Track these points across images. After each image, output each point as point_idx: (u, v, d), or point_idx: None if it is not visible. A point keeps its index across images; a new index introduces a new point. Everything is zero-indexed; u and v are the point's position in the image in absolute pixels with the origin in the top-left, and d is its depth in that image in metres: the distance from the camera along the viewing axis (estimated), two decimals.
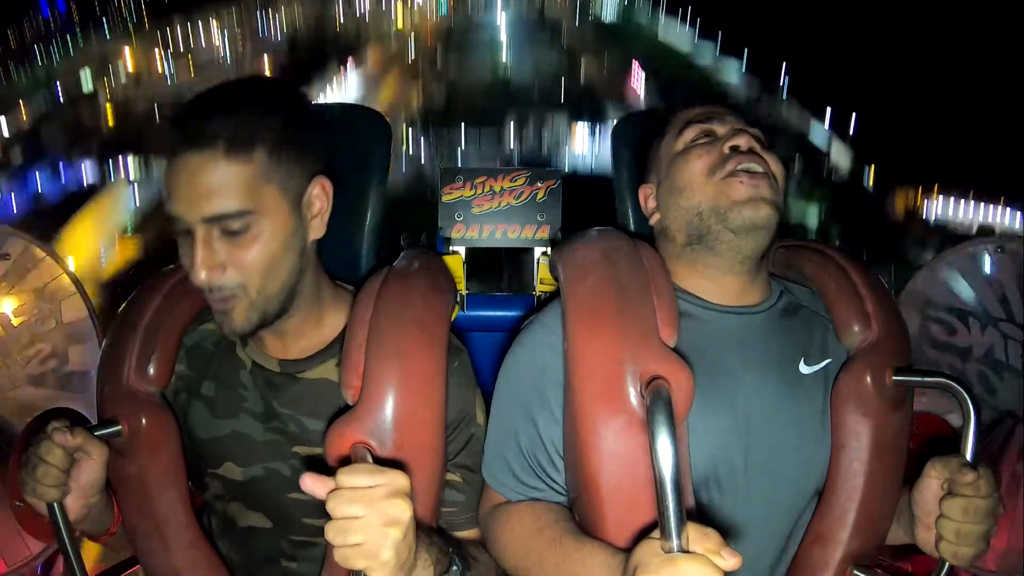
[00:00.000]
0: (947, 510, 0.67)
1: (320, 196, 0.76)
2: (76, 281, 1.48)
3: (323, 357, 0.80)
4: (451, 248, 1.33)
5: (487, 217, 1.34)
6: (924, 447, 0.80)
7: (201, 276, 0.69)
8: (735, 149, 0.77)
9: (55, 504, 0.71)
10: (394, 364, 0.70)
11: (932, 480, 0.70)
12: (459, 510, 0.81)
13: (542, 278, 1.29)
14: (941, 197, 27.10)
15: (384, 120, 1.04)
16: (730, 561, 0.51)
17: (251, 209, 0.69)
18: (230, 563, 0.84)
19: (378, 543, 0.56)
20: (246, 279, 0.70)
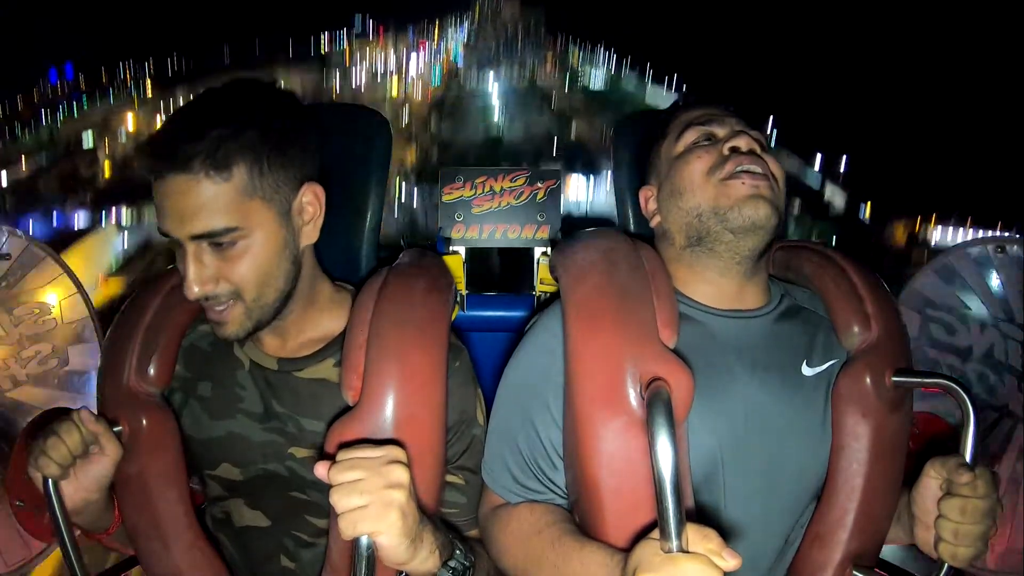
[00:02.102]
0: (945, 510, 0.67)
1: (312, 203, 0.75)
2: (76, 281, 1.48)
3: (321, 356, 0.80)
4: (451, 248, 1.33)
5: (487, 217, 1.34)
6: (924, 447, 0.80)
7: (194, 291, 0.70)
8: (735, 150, 0.77)
9: (51, 482, 0.71)
10: (394, 365, 0.70)
11: (931, 480, 0.70)
12: (460, 512, 0.81)
13: (542, 278, 1.29)
14: (940, 226, 27.74)
15: (384, 120, 1.04)
16: (731, 561, 0.51)
17: (237, 226, 0.69)
18: (230, 562, 0.84)
19: (384, 504, 0.59)
20: (239, 287, 0.72)
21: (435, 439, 0.73)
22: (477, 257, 1.38)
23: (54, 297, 1.46)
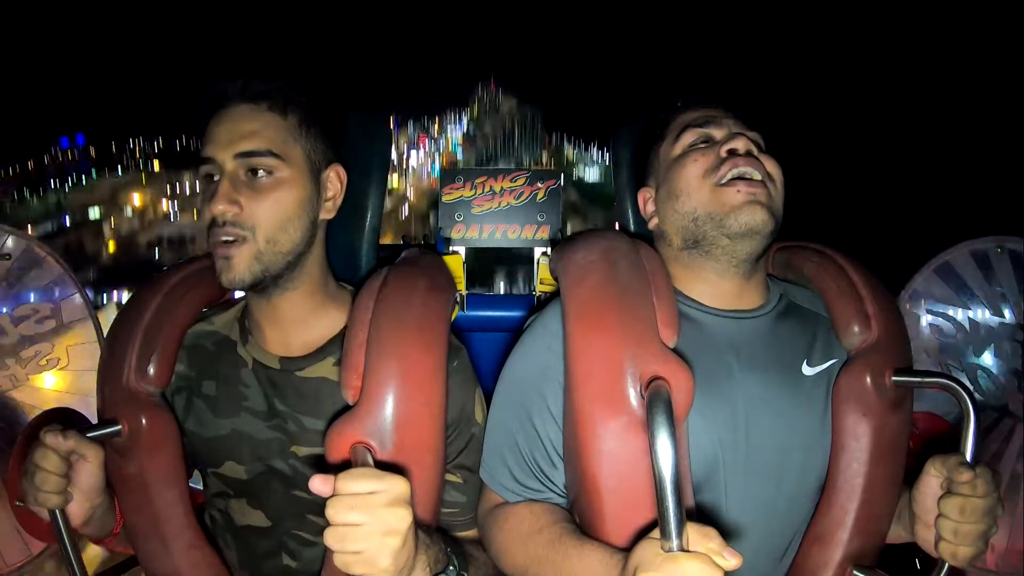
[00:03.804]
0: (945, 509, 0.67)
1: (335, 181, 0.82)
2: (76, 281, 1.48)
3: (322, 355, 0.80)
4: (451, 248, 1.33)
5: (487, 217, 1.34)
6: (924, 447, 0.80)
7: (219, 206, 0.73)
8: (732, 152, 0.77)
9: (57, 511, 0.71)
10: (394, 364, 0.70)
11: (931, 478, 0.70)
12: (459, 511, 0.81)
13: (542, 278, 1.29)
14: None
15: (384, 120, 1.04)
16: (731, 561, 0.51)
17: (281, 155, 0.76)
18: (230, 560, 0.84)
19: (377, 551, 0.57)
20: (259, 223, 0.74)
21: (435, 439, 0.73)
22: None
23: (54, 297, 1.46)
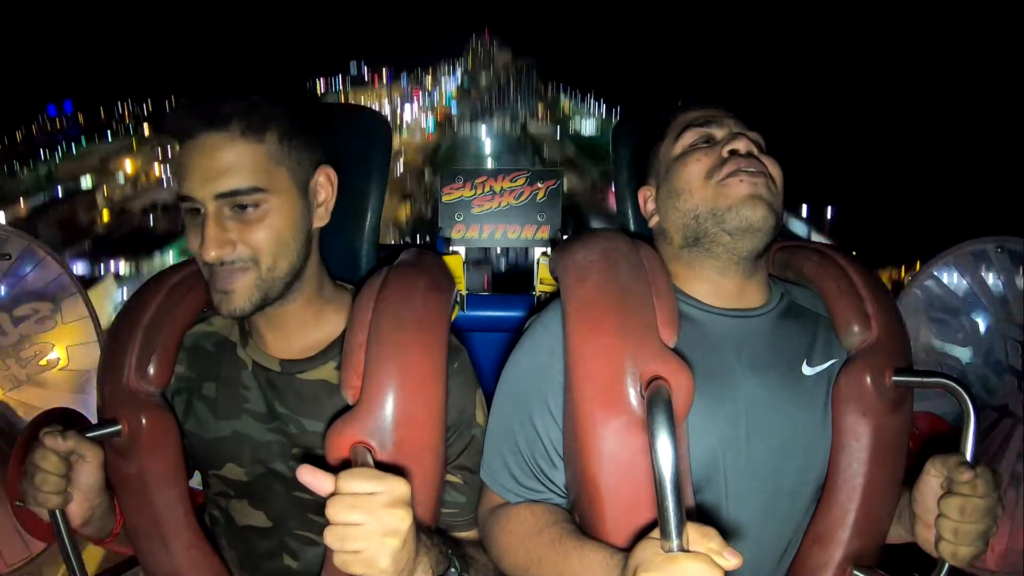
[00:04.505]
0: (945, 509, 0.67)
1: (325, 185, 0.78)
2: (76, 281, 1.48)
3: (323, 359, 0.80)
4: (451, 248, 1.33)
5: (487, 217, 1.34)
6: (924, 447, 0.80)
7: (211, 253, 0.70)
8: (734, 153, 0.77)
9: (57, 511, 0.71)
10: (394, 364, 0.70)
11: (932, 478, 0.70)
12: (459, 511, 0.81)
13: (542, 278, 1.29)
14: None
15: (384, 120, 1.04)
16: (732, 560, 0.51)
17: (263, 187, 0.71)
18: (230, 559, 0.84)
19: (377, 552, 0.57)
20: (256, 253, 0.72)
21: (434, 439, 0.73)
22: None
23: (54, 297, 1.46)
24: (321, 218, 0.79)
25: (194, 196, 0.70)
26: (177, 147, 0.72)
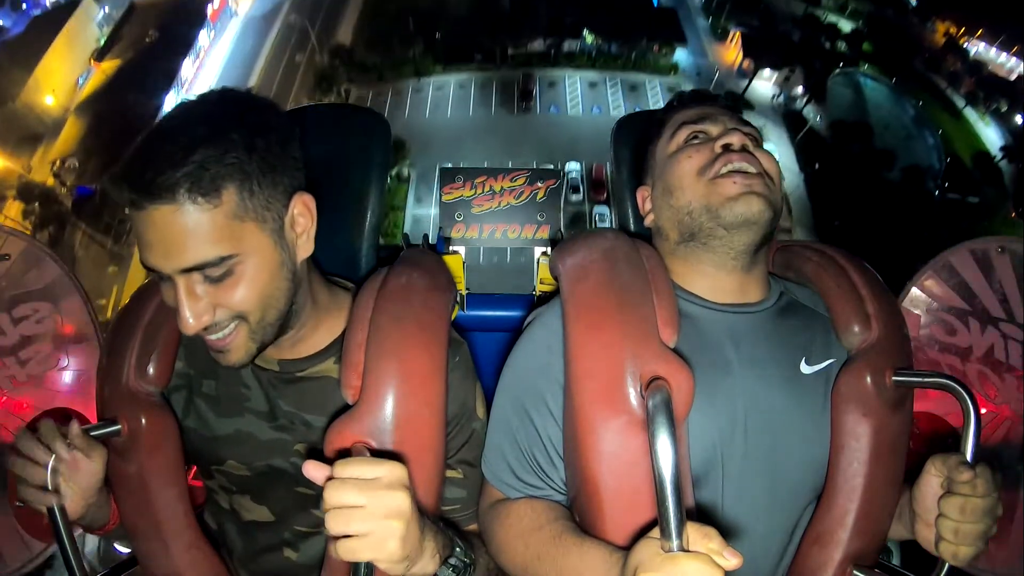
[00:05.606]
0: (945, 509, 0.67)
1: (303, 213, 0.70)
2: (76, 281, 1.48)
3: (323, 357, 0.80)
4: (451, 248, 1.33)
5: (487, 217, 1.34)
6: (925, 447, 0.80)
7: (190, 324, 0.65)
8: (727, 148, 0.77)
9: (55, 508, 0.71)
10: (394, 364, 0.70)
11: (932, 478, 0.70)
12: (460, 506, 0.82)
13: (542, 278, 1.29)
14: (983, 42, 24.67)
15: (384, 120, 1.04)
16: (732, 560, 0.51)
17: (231, 253, 0.64)
18: (231, 552, 0.85)
19: (384, 534, 0.57)
20: (243, 311, 0.68)
21: (434, 438, 0.73)
22: None
23: (54, 297, 1.46)
24: (304, 249, 0.72)
25: (159, 270, 0.64)
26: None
